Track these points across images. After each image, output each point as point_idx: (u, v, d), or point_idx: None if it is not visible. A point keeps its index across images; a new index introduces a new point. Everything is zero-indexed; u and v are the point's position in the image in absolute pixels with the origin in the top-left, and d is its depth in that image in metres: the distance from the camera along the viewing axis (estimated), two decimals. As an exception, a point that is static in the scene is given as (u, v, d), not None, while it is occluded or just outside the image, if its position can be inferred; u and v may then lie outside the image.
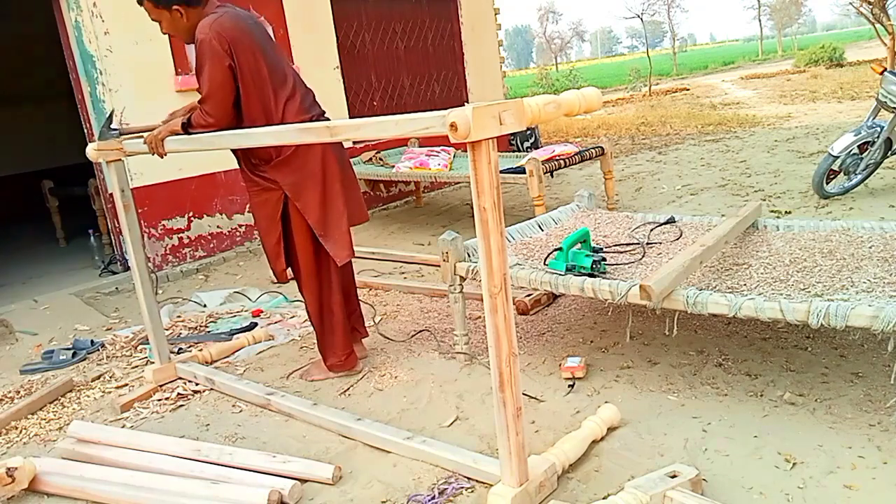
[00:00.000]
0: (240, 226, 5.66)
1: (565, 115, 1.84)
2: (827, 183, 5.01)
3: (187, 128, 2.63)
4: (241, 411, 2.79)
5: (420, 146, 6.07)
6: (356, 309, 3.13)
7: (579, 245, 2.68)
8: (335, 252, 2.77)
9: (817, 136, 8.09)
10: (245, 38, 2.61)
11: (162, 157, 2.74)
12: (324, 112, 2.84)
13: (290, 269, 2.92)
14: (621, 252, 2.90)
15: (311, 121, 2.70)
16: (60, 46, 4.90)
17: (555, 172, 5.20)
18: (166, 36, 2.67)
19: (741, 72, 25.16)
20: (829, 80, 15.57)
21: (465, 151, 1.80)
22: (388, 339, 3.37)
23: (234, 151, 2.85)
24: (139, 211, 4.79)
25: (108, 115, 3.03)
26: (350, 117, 6.17)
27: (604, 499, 1.87)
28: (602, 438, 2.24)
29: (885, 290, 2.16)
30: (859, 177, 5.03)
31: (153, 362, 3.15)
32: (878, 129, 4.84)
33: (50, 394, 3.07)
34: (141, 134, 2.91)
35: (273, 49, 2.75)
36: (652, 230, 3.14)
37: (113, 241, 5.31)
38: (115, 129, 2.95)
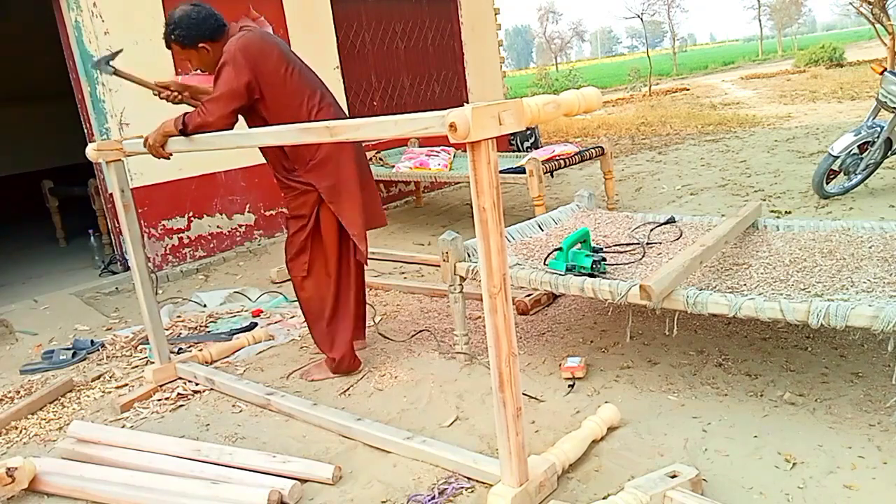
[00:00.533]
0: (240, 226, 5.66)
1: (565, 115, 1.84)
2: (827, 183, 5.01)
3: (184, 128, 2.63)
4: (241, 411, 2.79)
5: (420, 146, 6.07)
6: (363, 315, 3.21)
7: (579, 245, 2.68)
8: (364, 251, 2.86)
9: (817, 136, 8.09)
10: (273, 52, 2.69)
11: (168, 159, 2.77)
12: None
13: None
14: (621, 252, 2.90)
15: None
16: (60, 46, 4.90)
17: (555, 172, 5.20)
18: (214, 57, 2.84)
19: (741, 72, 25.16)
20: (829, 80, 15.57)
21: (465, 151, 1.80)
22: (388, 339, 3.37)
23: (269, 159, 2.91)
24: (139, 211, 4.78)
25: (114, 52, 2.99)
26: (350, 117, 6.15)
27: (604, 499, 1.87)
28: (602, 438, 2.24)
29: (885, 290, 2.16)
30: (859, 177, 5.03)
31: (153, 362, 3.15)
32: (878, 129, 4.84)
33: (50, 394, 3.07)
34: (140, 81, 2.95)
35: (301, 62, 2.82)
36: (652, 230, 3.14)
37: (113, 241, 5.31)
38: (110, 66, 2.93)
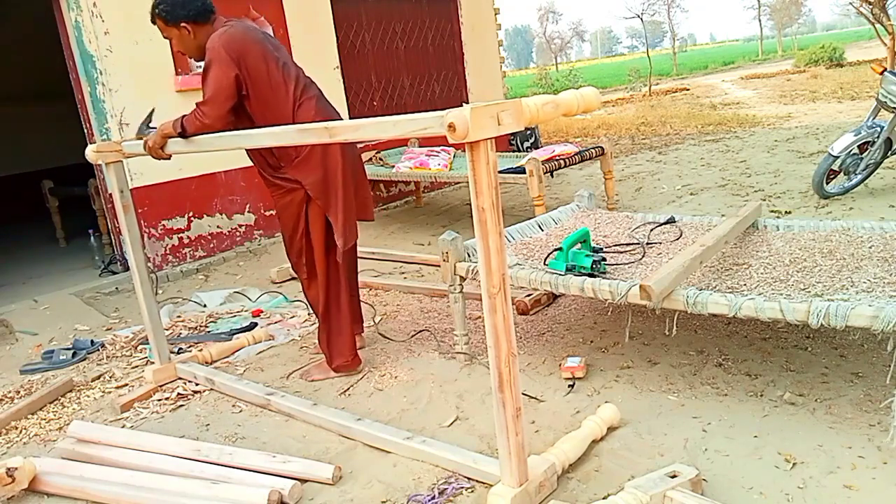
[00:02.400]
0: (240, 226, 5.66)
1: (564, 115, 1.84)
2: (827, 183, 5.01)
3: (183, 131, 2.64)
4: (241, 411, 2.79)
5: (420, 146, 6.07)
6: (358, 309, 3.21)
7: (579, 245, 2.68)
8: (342, 245, 2.80)
9: (817, 136, 8.09)
10: (256, 47, 2.68)
11: (168, 160, 2.80)
12: (337, 111, 2.91)
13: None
14: (621, 252, 2.90)
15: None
16: (60, 46, 4.90)
17: (555, 172, 5.20)
18: (197, 40, 2.91)
19: (741, 72, 25.15)
20: (829, 80, 15.57)
21: (465, 151, 1.81)
22: (388, 339, 3.37)
23: (254, 157, 2.92)
24: (139, 211, 4.79)
25: (149, 113, 3.01)
26: (350, 117, 6.16)
27: (604, 499, 1.87)
28: (602, 438, 2.24)
29: (885, 290, 2.15)
30: (859, 177, 5.03)
31: (153, 362, 3.15)
32: (878, 129, 4.84)
33: (50, 394, 3.07)
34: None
35: (285, 55, 2.82)
36: (652, 230, 3.14)
37: (113, 241, 5.31)
38: (153, 127, 2.94)
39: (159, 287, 4.68)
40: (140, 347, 3.64)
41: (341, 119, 2.85)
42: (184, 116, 2.63)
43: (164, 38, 2.80)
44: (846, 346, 2.69)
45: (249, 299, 4.30)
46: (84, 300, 4.64)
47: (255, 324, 3.78)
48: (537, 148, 7.75)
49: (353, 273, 3.12)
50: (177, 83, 5.18)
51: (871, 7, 14.66)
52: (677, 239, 2.99)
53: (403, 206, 6.92)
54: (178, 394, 2.99)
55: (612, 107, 16.38)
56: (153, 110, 2.99)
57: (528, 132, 8.30)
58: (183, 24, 2.72)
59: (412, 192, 7.04)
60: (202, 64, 2.71)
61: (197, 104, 2.63)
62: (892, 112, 4.71)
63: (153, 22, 2.77)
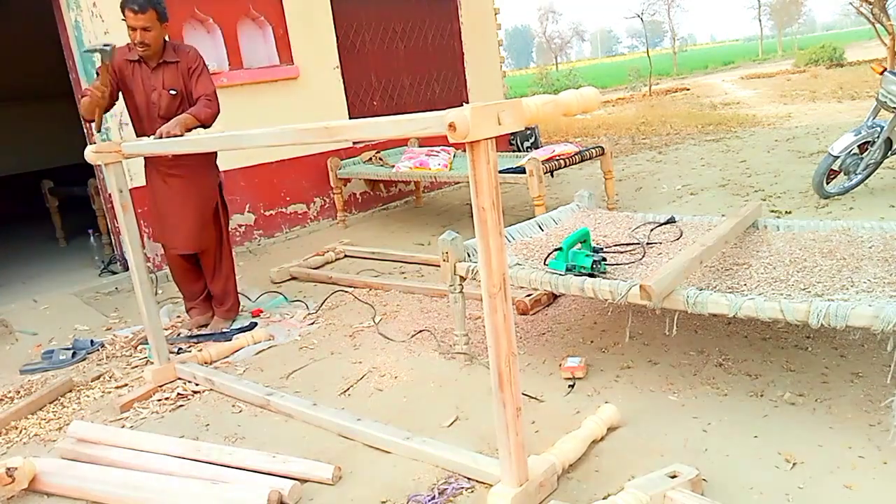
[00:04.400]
0: (240, 226, 5.66)
1: (564, 115, 1.84)
2: (827, 183, 5.01)
3: (206, 120, 3.30)
4: (241, 411, 2.79)
5: (420, 146, 6.07)
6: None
7: (579, 245, 2.68)
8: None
9: (817, 136, 8.09)
10: None
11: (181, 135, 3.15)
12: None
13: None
14: (621, 252, 2.90)
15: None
16: (60, 46, 4.90)
17: (555, 172, 5.20)
18: (163, 40, 3.40)
19: (741, 71, 25.15)
20: (829, 80, 15.57)
21: (465, 151, 1.81)
22: (388, 339, 3.37)
23: None
24: (138, 211, 4.77)
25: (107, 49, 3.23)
26: (350, 117, 6.16)
27: (604, 499, 1.87)
28: (602, 438, 2.24)
29: (885, 290, 2.15)
30: (859, 177, 5.02)
31: (153, 362, 3.15)
32: (878, 128, 4.84)
33: (50, 394, 3.07)
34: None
35: None
36: (652, 230, 3.14)
37: (113, 241, 5.31)
38: (108, 46, 3.18)
39: (159, 287, 4.66)
40: (140, 347, 3.64)
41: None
42: (194, 113, 3.21)
43: (138, 28, 3.18)
44: (846, 346, 2.69)
45: (249, 299, 4.29)
46: (84, 300, 4.64)
47: (255, 324, 3.78)
48: (537, 148, 7.74)
49: (180, 268, 3.77)
50: (177, 83, 5.17)
51: (871, 7, 14.65)
52: (677, 239, 2.99)
53: (403, 206, 6.92)
54: (178, 394, 2.99)
55: (612, 107, 16.38)
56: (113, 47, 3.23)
57: (528, 132, 8.29)
58: (166, 24, 3.30)
59: (412, 192, 7.03)
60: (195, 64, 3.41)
61: (208, 96, 3.33)
62: (892, 112, 4.71)
63: (142, 11, 3.13)
